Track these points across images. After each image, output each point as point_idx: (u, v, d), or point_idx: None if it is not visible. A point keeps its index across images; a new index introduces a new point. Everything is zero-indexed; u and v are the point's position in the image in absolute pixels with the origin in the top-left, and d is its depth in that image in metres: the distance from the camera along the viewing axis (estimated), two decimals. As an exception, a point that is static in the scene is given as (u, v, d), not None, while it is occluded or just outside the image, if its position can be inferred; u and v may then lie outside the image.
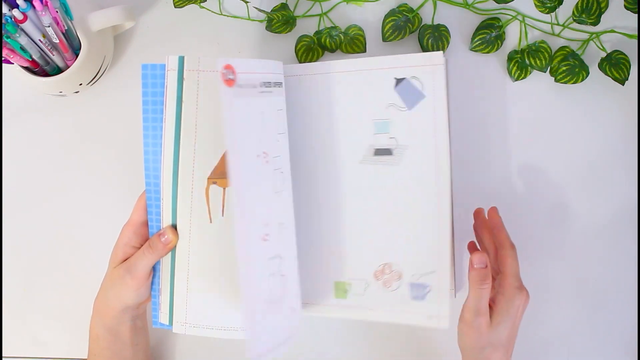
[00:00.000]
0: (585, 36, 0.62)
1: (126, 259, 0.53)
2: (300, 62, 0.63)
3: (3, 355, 0.64)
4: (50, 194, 0.65)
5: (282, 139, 0.53)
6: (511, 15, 0.63)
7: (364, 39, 0.63)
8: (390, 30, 0.62)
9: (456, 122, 0.62)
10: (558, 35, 0.63)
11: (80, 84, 0.61)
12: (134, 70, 0.57)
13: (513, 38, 0.63)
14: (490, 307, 0.52)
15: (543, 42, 0.61)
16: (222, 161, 0.51)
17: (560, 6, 0.60)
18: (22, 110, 0.66)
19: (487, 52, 0.62)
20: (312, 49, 0.63)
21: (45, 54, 0.57)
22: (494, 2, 0.62)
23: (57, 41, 0.56)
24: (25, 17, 0.53)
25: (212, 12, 0.64)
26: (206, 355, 0.64)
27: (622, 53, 0.60)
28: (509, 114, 0.63)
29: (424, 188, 0.54)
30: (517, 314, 0.52)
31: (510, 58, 0.62)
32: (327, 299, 0.57)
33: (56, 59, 0.58)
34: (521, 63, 0.62)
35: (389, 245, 0.55)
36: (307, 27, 0.64)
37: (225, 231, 0.52)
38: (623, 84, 0.60)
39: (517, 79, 0.62)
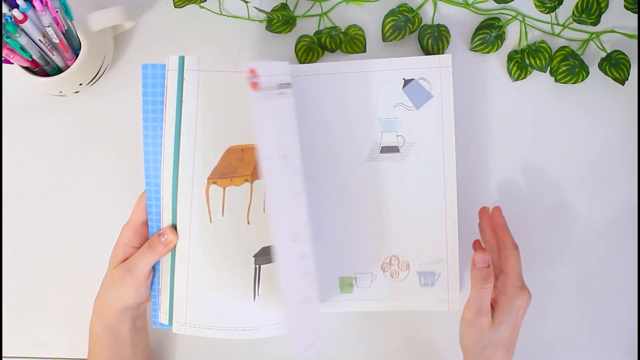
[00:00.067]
0: (585, 36, 0.62)
1: (126, 259, 0.53)
2: (300, 62, 0.63)
3: (3, 355, 0.64)
4: (50, 194, 0.65)
5: (296, 140, 0.53)
6: (511, 15, 0.63)
7: (364, 39, 0.63)
8: (390, 30, 0.62)
9: (456, 122, 0.62)
10: (558, 35, 0.63)
11: (80, 84, 0.61)
12: (134, 70, 0.57)
13: (513, 38, 0.63)
14: (492, 306, 0.52)
15: (543, 42, 0.61)
16: (222, 161, 0.51)
17: (560, 6, 0.60)
18: (22, 110, 0.66)
19: (487, 52, 0.62)
20: (312, 49, 0.63)
21: (45, 54, 0.57)
22: (494, 2, 0.62)
23: (57, 41, 0.56)
24: (25, 17, 0.53)
25: (212, 12, 0.64)
26: (206, 355, 0.64)
27: (622, 53, 0.60)
28: (509, 114, 0.63)
29: (431, 182, 0.58)
30: (519, 314, 0.52)
31: (510, 58, 0.62)
32: (333, 295, 0.58)
33: (56, 59, 0.58)
34: (521, 63, 0.62)
35: (396, 238, 0.58)
36: (307, 27, 0.64)
37: (225, 231, 0.52)
38: (623, 84, 0.60)
39: (517, 79, 0.62)
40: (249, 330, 0.53)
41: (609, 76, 0.60)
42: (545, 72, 0.61)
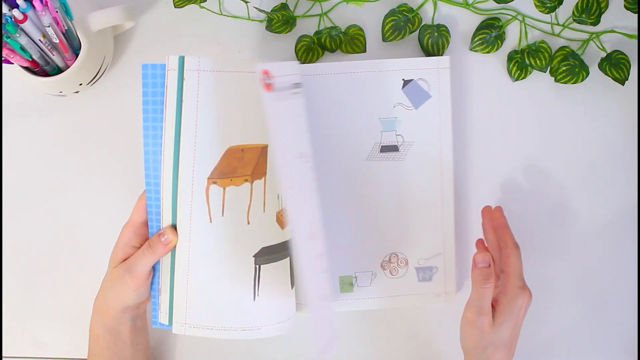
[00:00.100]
0: (585, 36, 0.62)
1: (126, 259, 0.53)
2: (300, 62, 0.63)
3: (3, 355, 0.64)
4: (50, 194, 0.65)
5: (309, 138, 0.53)
6: (511, 15, 0.63)
7: (364, 39, 0.63)
8: (390, 30, 0.62)
9: (456, 122, 0.62)
10: (558, 35, 0.63)
11: (80, 84, 0.61)
12: (134, 70, 0.57)
13: (513, 38, 0.63)
14: (493, 306, 0.52)
15: (543, 42, 0.61)
16: (222, 161, 0.51)
17: (560, 6, 0.60)
18: (22, 110, 0.66)
19: (487, 52, 0.62)
20: (312, 49, 0.63)
21: (45, 54, 0.57)
22: (494, 2, 0.62)
23: (57, 41, 0.56)
24: (25, 17, 0.53)
25: (212, 12, 0.64)
26: (206, 355, 0.64)
27: (622, 53, 0.60)
28: (509, 114, 0.63)
29: (428, 180, 0.59)
30: (520, 314, 0.52)
31: (510, 58, 0.62)
32: (333, 295, 0.58)
33: (56, 59, 0.58)
34: (521, 63, 0.62)
35: (395, 235, 0.60)
36: (307, 27, 0.64)
37: (225, 231, 0.52)
38: (623, 84, 0.60)
39: (517, 79, 0.62)
40: (248, 331, 0.53)
41: (609, 76, 0.60)
42: (545, 72, 0.61)
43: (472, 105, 0.63)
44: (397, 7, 0.62)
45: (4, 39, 0.53)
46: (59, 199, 0.65)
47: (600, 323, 0.62)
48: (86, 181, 0.65)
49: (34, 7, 0.53)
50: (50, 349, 0.65)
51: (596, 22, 0.60)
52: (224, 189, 0.51)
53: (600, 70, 0.60)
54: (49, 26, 0.54)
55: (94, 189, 0.65)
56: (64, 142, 0.65)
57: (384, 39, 0.62)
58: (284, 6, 0.63)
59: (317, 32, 0.63)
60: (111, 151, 0.65)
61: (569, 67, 0.61)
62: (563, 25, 0.62)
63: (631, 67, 0.60)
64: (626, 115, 0.62)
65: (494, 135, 0.63)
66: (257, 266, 0.52)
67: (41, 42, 0.55)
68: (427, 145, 0.60)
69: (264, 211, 0.52)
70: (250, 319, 0.53)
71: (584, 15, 0.60)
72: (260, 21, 0.64)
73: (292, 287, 0.55)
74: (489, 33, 0.62)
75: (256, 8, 0.63)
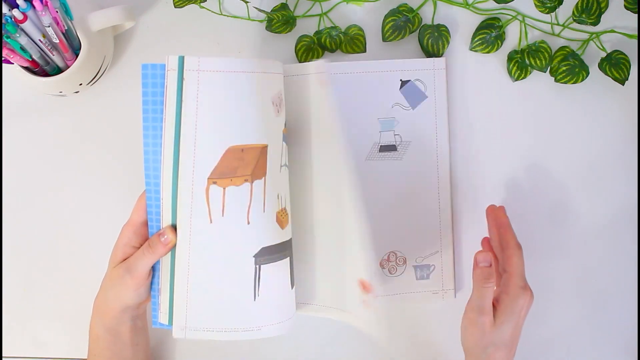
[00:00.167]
0: (585, 36, 0.62)
1: (126, 259, 0.53)
2: (300, 62, 0.63)
3: (3, 355, 0.64)
4: (50, 194, 0.65)
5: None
6: (511, 15, 0.63)
7: (364, 39, 0.63)
8: (390, 30, 0.62)
9: (456, 122, 0.62)
10: (558, 35, 0.63)
11: (80, 84, 0.61)
12: (134, 70, 0.57)
13: (513, 38, 0.63)
14: (494, 306, 0.52)
15: (543, 42, 0.61)
16: (223, 161, 0.51)
17: (560, 6, 0.60)
18: (22, 110, 0.66)
19: (487, 52, 0.62)
20: (312, 49, 0.63)
21: (45, 54, 0.57)
22: (494, 2, 0.62)
23: (57, 41, 0.56)
24: (25, 17, 0.53)
25: (212, 12, 0.64)
26: (207, 356, 0.64)
27: (622, 53, 0.60)
28: (509, 114, 0.63)
29: (426, 178, 0.60)
30: (521, 314, 0.52)
31: (510, 58, 0.62)
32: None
33: (56, 59, 0.58)
34: (521, 63, 0.62)
35: (393, 234, 0.60)
36: (307, 27, 0.64)
37: (225, 231, 0.52)
38: (623, 84, 0.60)
39: (517, 79, 0.62)
40: (249, 331, 0.53)
41: (609, 76, 0.60)
42: (545, 72, 0.61)
43: (472, 105, 0.63)
44: (397, 7, 0.62)
45: (4, 39, 0.53)
46: (59, 199, 0.65)
47: (600, 323, 0.62)
48: (86, 181, 0.65)
49: (34, 7, 0.53)
50: (50, 349, 0.65)
51: (596, 22, 0.60)
52: (224, 189, 0.51)
53: (600, 70, 0.60)
54: (49, 26, 0.54)
55: (94, 189, 0.65)
56: (64, 142, 0.65)
57: (384, 39, 0.62)
58: (284, 6, 0.63)
59: (317, 32, 0.63)
60: (111, 151, 0.65)
61: (569, 67, 0.61)
62: (563, 25, 0.62)
63: (631, 67, 0.60)
64: (626, 115, 0.62)
65: (494, 135, 0.63)
66: (257, 266, 0.52)
67: (41, 42, 0.55)
68: (424, 145, 0.61)
69: (263, 211, 0.52)
70: (251, 319, 0.53)
71: (584, 15, 0.60)
72: (260, 21, 0.64)
73: (292, 287, 0.55)
74: (489, 33, 0.62)
75: (256, 8, 0.63)
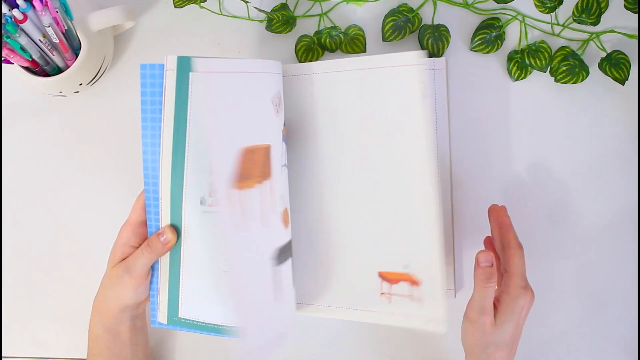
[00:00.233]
0: (585, 36, 0.62)
1: (125, 259, 0.53)
2: (300, 62, 0.63)
3: (3, 355, 0.65)
4: (50, 194, 0.65)
5: None
6: (511, 15, 0.63)
7: (364, 39, 0.63)
8: (390, 30, 0.62)
9: (456, 122, 0.62)
10: (558, 35, 0.62)
11: (80, 84, 0.61)
12: (134, 70, 0.57)
13: (513, 38, 0.63)
14: (495, 306, 0.52)
15: (543, 42, 0.61)
16: (240, 163, 0.51)
17: (560, 6, 0.60)
18: (22, 110, 0.66)
19: (487, 52, 0.62)
20: (312, 49, 0.63)
21: (45, 54, 0.57)
22: (494, 2, 0.61)
23: (57, 41, 0.56)
24: (25, 17, 0.53)
25: (212, 12, 0.64)
26: (206, 355, 0.64)
27: (622, 53, 0.60)
28: (509, 114, 0.63)
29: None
30: (522, 314, 0.51)
31: (510, 58, 0.62)
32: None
33: (56, 59, 0.58)
34: (521, 63, 0.62)
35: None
36: (307, 27, 0.64)
37: (243, 233, 0.51)
38: (623, 84, 0.60)
39: (517, 79, 0.62)
40: (281, 334, 0.52)
41: (609, 76, 0.60)
42: (545, 72, 0.61)
43: (472, 106, 0.63)
44: (397, 7, 0.62)
45: (4, 39, 0.53)
46: (58, 199, 0.65)
47: (600, 323, 0.62)
48: (86, 181, 0.65)
49: (34, 7, 0.53)
50: (50, 349, 0.65)
51: (596, 22, 0.60)
52: (242, 191, 0.51)
53: (600, 70, 0.60)
54: (49, 26, 0.54)
55: (94, 189, 0.65)
56: (64, 142, 0.65)
57: (384, 39, 0.62)
58: (284, 6, 0.63)
59: (317, 32, 0.63)
60: (111, 151, 0.65)
61: (569, 67, 0.61)
62: (563, 25, 0.62)
63: (631, 67, 0.60)
64: (626, 115, 0.62)
65: (494, 135, 0.63)
66: (275, 268, 0.52)
67: (41, 42, 0.55)
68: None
69: (274, 212, 0.52)
70: (276, 322, 0.52)
71: (584, 15, 0.60)
72: (260, 21, 0.64)
73: (292, 287, 0.55)
74: (489, 33, 0.62)
75: (256, 8, 0.63)
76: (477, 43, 0.62)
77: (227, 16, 0.65)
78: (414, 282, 0.53)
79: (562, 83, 0.61)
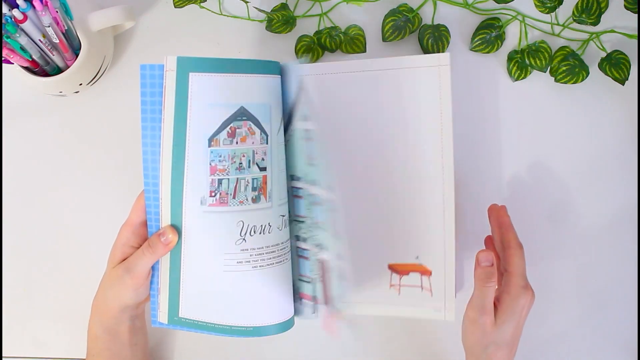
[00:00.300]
0: (585, 36, 0.62)
1: (125, 259, 0.53)
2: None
3: (3, 355, 0.65)
4: (50, 194, 0.65)
5: None
6: (511, 15, 0.63)
7: (364, 39, 0.63)
8: (390, 30, 0.62)
9: (456, 121, 0.62)
10: (558, 35, 0.62)
11: (80, 84, 0.61)
12: (134, 70, 0.57)
13: (513, 38, 0.63)
14: (495, 305, 0.52)
15: (543, 42, 0.61)
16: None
17: (560, 6, 0.60)
18: (22, 110, 0.66)
19: (487, 52, 0.62)
20: (312, 49, 0.63)
21: (45, 54, 0.57)
22: (494, 2, 0.61)
23: (57, 41, 0.56)
24: (25, 17, 0.53)
25: (212, 12, 0.64)
26: (206, 355, 0.64)
27: (622, 53, 0.60)
28: (509, 114, 0.63)
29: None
30: (522, 314, 0.52)
31: (510, 58, 0.62)
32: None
33: (56, 59, 0.58)
34: (521, 63, 0.62)
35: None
36: (307, 27, 0.64)
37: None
38: (623, 84, 0.60)
39: (517, 79, 0.62)
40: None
41: (609, 76, 0.60)
42: (545, 72, 0.61)
43: (472, 105, 0.63)
44: (397, 7, 0.62)
45: (4, 39, 0.53)
46: (58, 199, 0.65)
47: (600, 323, 0.62)
48: (86, 181, 0.65)
49: (34, 7, 0.53)
50: (50, 349, 0.65)
51: (596, 22, 0.60)
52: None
53: (600, 70, 0.60)
54: (49, 26, 0.54)
55: (94, 189, 0.65)
56: (64, 142, 0.65)
57: (384, 39, 0.62)
58: (284, 6, 0.63)
59: (317, 32, 0.63)
60: (111, 151, 0.65)
61: (569, 67, 0.61)
62: (563, 25, 0.62)
63: (631, 67, 0.60)
64: (626, 115, 0.62)
65: (494, 135, 0.63)
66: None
67: (41, 42, 0.55)
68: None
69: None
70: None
71: (584, 15, 0.60)
72: (260, 21, 0.64)
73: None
74: (489, 33, 0.62)
75: (256, 8, 0.63)
76: (477, 43, 0.62)
77: (227, 16, 0.65)
78: (425, 272, 0.57)
79: (562, 83, 0.61)
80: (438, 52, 0.62)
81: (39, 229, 0.65)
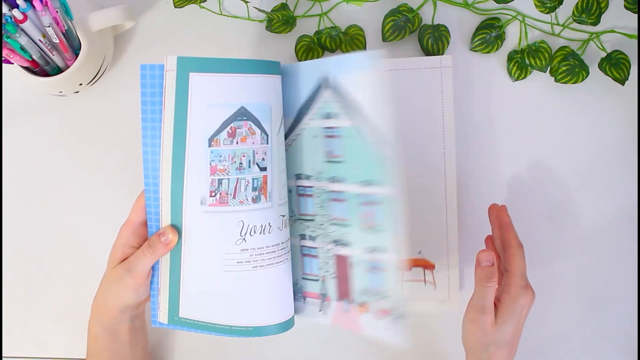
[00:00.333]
0: (585, 36, 0.62)
1: (125, 259, 0.53)
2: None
3: (3, 355, 0.65)
4: (50, 194, 0.65)
5: None
6: (511, 15, 0.63)
7: (364, 39, 0.63)
8: (390, 30, 0.62)
9: (456, 122, 0.62)
10: (558, 35, 0.63)
11: (80, 84, 0.61)
12: (134, 70, 0.57)
13: (513, 38, 0.63)
14: (496, 305, 0.52)
15: (543, 42, 0.61)
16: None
17: (560, 6, 0.60)
18: (22, 110, 0.66)
19: (487, 52, 0.62)
20: (312, 49, 0.63)
21: (45, 54, 0.57)
22: (494, 2, 0.62)
23: (57, 41, 0.56)
24: (25, 17, 0.53)
25: (212, 12, 0.64)
26: (206, 355, 0.64)
27: (622, 53, 0.60)
28: (509, 114, 0.63)
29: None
30: (522, 313, 0.52)
31: (510, 58, 0.62)
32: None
33: (56, 59, 0.58)
34: (521, 63, 0.62)
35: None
36: (307, 27, 0.64)
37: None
38: (623, 84, 0.60)
39: (517, 79, 0.62)
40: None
41: (609, 76, 0.60)
42: (545, 72, 0.61)
43: (472, 106, 0.63)
44: (397, 7, 0.62)
45: (4, 39, 0.53)
46: (58, 199, 0.65)
47: (600, 323, 0.62)
48: (86, 181, 0.65)
49: (34, 7, 0.53)
50: (50, 349, 0.65)
51: (596, 22, 0.60)
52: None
53: (600, 70, 0.60)
54: (49, 26, 0.54)
55: (94, 189, 0.65)
56: (64, 142, 0.65)
57: (384, 39, 0.62)
58: (284, 6, 0.63)
59: (317, 32, 0.63)
60: (111, 151, 0.65)
61: (569, 67, 0.61)
62: (563, 25, 0.62)
63: (631, 67, 0.60)
64: (626, 115, 0.62)
65: (494, 135, 0.63)
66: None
67: (41, 42, 0.55)
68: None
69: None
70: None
71: (584, 15, 0.60)
72: (260, 21, 0.64)
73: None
74: (489, 33, 0.62)
75: (256, 8, 0.63)
76: (477, 43, 0.62)
77: (227, 16, 0.65)
78: (428, 266, 0.60)
79: (562, 83, 0.61)
80: (438, 52, 0.62)
81: (39, 229, 0.65)
